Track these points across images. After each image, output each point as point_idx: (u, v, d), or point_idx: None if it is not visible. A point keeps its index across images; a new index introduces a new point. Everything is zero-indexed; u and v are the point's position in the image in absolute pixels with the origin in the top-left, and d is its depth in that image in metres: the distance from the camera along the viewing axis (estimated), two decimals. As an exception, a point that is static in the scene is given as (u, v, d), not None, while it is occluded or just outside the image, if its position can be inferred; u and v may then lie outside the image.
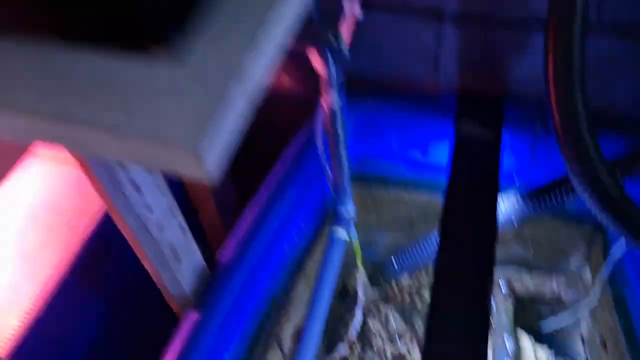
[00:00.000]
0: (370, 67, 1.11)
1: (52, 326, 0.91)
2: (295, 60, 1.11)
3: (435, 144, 1.12)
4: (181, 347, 0.81)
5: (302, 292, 1.13)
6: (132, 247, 0.75)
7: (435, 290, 0.87)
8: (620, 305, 1.01)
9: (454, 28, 1.00)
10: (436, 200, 1.03)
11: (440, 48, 1.05)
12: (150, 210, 0.72)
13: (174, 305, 0.86)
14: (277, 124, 1.15)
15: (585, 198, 0.74)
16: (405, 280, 1.19)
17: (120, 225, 0.72)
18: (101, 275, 1.01)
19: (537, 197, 0.94)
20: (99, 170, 0.63)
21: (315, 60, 0.83)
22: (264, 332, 0.99)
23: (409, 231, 1.22)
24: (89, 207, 0.98)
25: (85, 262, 0.95)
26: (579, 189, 0.74)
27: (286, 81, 1.20)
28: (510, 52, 1.00)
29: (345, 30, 0.86)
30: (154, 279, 0.81)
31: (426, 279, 1.22)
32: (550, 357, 1.07)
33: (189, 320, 0.84)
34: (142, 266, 0.80)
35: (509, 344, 1.04)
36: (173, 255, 0.79)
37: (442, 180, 0.99)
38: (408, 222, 1.22)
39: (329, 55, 0.83)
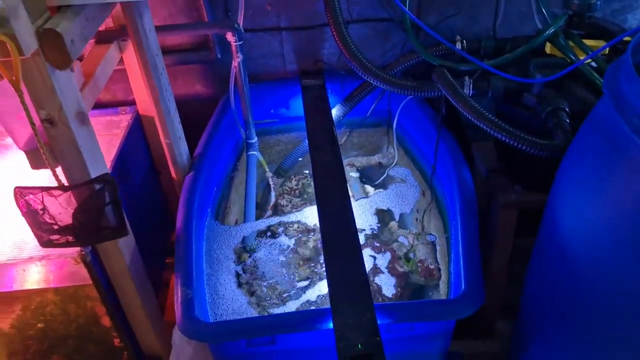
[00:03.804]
0: (249, 68, 1.97)
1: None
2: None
3: (292, 102, 2.00)
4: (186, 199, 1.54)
5: (234, 197, 1.89)
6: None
7: (315, 179, 1.61)
8: (408, 155, 1.94)
9: (289, 35, 1.92)
10: (300, 135, 1.88)
11: (283, 48, 1.96)
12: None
13: (178, 175, 1.60)
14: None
15: (377, 82, 1.66)
16: (294, 181, 2.01)
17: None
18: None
19: (349, 101, 1.86)
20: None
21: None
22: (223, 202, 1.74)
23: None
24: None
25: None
26: (370, 79, 1.67)
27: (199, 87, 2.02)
28: (320, 42, 1.94)
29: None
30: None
31: (305, 180, 2.03)
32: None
33: (189, 179, 1.57)
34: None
35: (360, 192, 1.89)
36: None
37: (301, 122, 1.82)
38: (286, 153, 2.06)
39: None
